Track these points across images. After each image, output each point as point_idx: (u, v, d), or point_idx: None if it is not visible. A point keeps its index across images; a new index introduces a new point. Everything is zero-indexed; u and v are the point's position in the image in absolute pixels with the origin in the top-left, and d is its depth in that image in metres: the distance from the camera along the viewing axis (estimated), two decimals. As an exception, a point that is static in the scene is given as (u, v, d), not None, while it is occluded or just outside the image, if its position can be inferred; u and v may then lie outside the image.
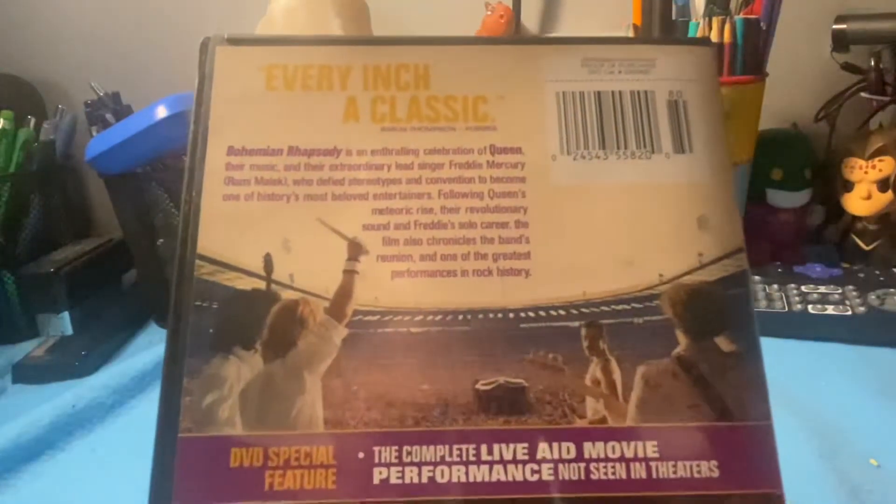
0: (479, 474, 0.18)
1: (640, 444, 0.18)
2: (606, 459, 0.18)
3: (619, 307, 0.18)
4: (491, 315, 0.18)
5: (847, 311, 0.60)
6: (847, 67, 0.79)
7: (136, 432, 0.53)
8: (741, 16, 0.68)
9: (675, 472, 0.18)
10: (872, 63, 0.77)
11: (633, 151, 0.19)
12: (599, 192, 0.19)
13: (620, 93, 0.19)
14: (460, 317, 0.18)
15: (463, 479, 0.18)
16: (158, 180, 0.70)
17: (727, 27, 0.67)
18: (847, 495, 0.42)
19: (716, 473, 0.18)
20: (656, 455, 0.18)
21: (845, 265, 0.70)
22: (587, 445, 0.18)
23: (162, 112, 0.63)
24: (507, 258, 0.18)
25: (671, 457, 0.18)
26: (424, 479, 0.18)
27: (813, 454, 0.47)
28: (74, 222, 0.87)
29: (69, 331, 0.68)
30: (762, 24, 0.68)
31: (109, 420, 0.55)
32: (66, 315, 0.68)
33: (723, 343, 0.19)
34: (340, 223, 0.19)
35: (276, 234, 0.19)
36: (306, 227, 0.19)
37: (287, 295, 0.19)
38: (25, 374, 0.63)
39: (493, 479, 0.18)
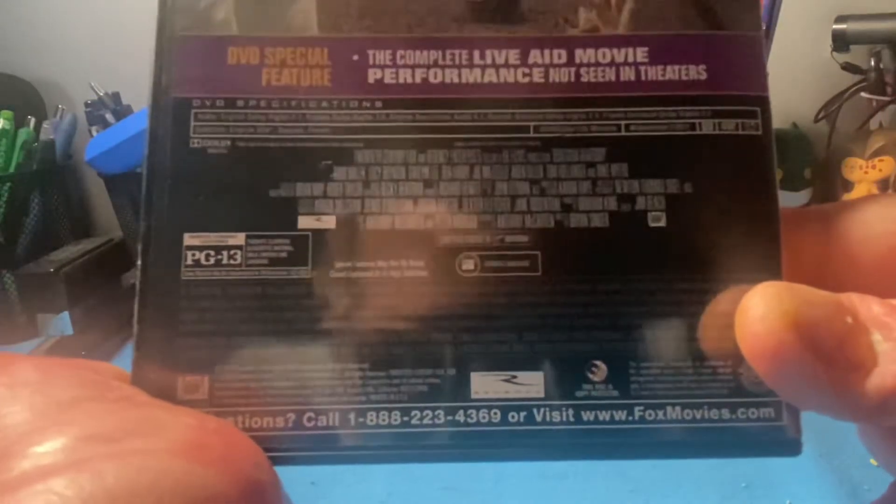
0: (471, 77, 0.18)
1: (630, 50, 0.19)
2: (597, 64, 0.19)
3: None
4: None
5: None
6: (847, 67, 0.79)
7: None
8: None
9: (663, 75, 0.18)
10: (872, 63, 0.77)
11: None
12: None
13: None
14: None
15: (455, 81, 0.18)
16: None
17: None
18: (847, 495, 0.42)
19: (703, 76, 0.18)
20: (646, 60, 0.19)
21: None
22: (578, 52, 0.19)
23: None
24: None
25: (660, 61, 0.18)
26: (418, 80, 0.18)
27: (813, 454, 0.47)
28: (74, 222, 0.87)
29: (69, 331, 0.68)
30: (762, 23, 0.68)
31: (109, 420, 0.55)
32: (66, 315, 0.68)
33: None
34: None
35: None
36: None
37: None
38: (25, 374, 0.63)
39: (485, 80, 0.18)
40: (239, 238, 0.18)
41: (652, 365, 0.17)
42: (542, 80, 0.19)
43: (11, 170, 0.77)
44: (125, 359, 0.18)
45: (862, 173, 0.73)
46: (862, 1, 0.78)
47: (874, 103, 0.77)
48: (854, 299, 0.14)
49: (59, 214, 0.82)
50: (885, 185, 0.73)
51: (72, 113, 0.86)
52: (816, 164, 0.78)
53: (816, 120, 0.81)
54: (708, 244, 0.18)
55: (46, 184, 0.80)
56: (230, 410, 0.17)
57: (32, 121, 0.80)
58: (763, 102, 0.18)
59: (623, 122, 0.18)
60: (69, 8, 0.95)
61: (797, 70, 0.83)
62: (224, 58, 0.18)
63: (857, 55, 0.79)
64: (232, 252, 0.18)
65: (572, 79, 0.19)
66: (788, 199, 0.76)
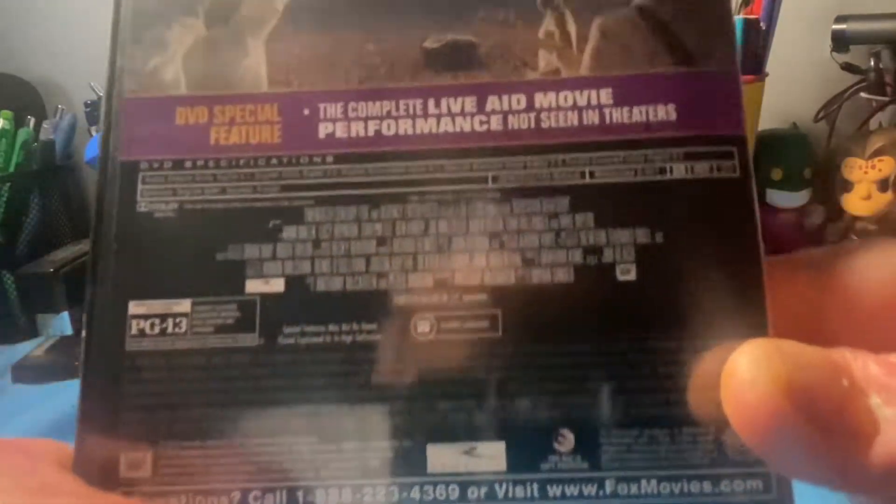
0: (426, 127, 0.18)
1: (593, 92, 0.18)
2: (558, 108, 0.18)
3: None
4: None
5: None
6: (847, 67, 0.79)
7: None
8: (741, 16, 0.68)
9: (629, 117, 0.17)
10: (872, 63, 0.77)
11: None
12: None
13: None
14: None
15: (410, 132, 0.18)
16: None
17: (727, 27, 0.67)
18: (847, 495, 0.41)
19: (673, 117, 0.17)
20: (610, 102, 0.17)
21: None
22: (538, 96, 0.18)
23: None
24: None
25: (626, 103, 0.17)
26: (370, 133, 0.18)
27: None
28: (74, 222, 0.87)
29: (69, 331, 0.68)
30: (762, 23, 0.68)
31: (109, 420, 0.55)
32: (65, 315, 0.68)
33: None
34: None
35: None
36: None
37: None
38: (25, 374, 0.63)
39: (441, 130, 0.18)
40: (185, 305, 0.17)
41: (624, 433, 0.16)
42: (501, 128, 0.18)
43: (11, 170, 0.77)
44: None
45: (862, 173, 0.73)
46: (862, 1, 0.78)
47: (874, 103, 0.77)
48: (848, 357, 0.13)
49: (59, 214, 0.82)
50: (884, 184, 0.73)
51: (72, 113, 0.86)
52: (816, 164, 0.78)
53: (816, 120, 0.81)
54: (683, 298, 0.16)
55: (46, 184, 0.80)
56: (173, 489, 0.16)
57: (32, 121, 0.80)
58: (739, 142, 0.17)
59: (588, 169, 0.17)
60: (69, 8, 0.95)
61: (797, 70, 0.83)
62: (172, 118, 0.18)
63: (857, 55, 0.79)
64: (177, 320, 0.17)
65: (532, 125, 0.18)
66: (788, 199, 0.76)
